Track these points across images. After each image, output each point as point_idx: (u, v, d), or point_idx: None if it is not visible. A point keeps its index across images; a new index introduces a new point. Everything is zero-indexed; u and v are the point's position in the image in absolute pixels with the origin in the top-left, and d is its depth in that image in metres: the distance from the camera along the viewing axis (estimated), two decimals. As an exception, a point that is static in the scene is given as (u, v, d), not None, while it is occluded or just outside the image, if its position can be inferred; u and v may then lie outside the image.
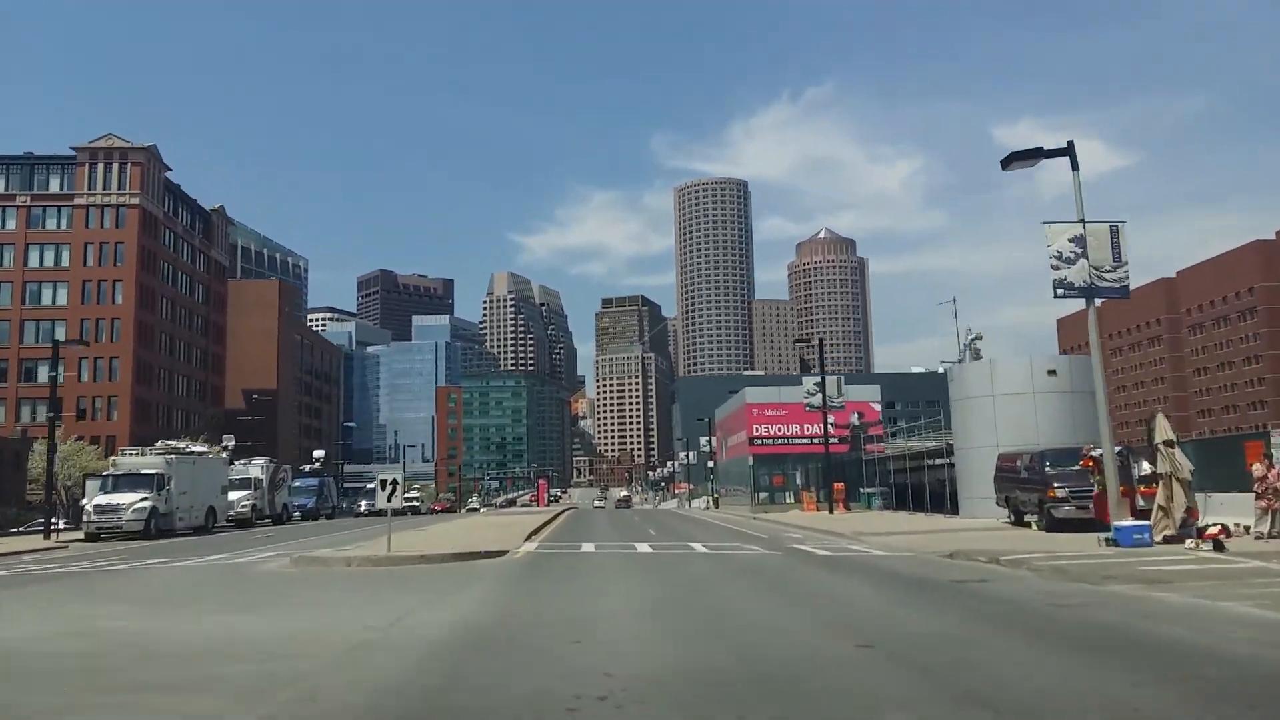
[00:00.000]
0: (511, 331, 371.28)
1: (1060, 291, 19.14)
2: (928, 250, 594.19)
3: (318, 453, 64.67)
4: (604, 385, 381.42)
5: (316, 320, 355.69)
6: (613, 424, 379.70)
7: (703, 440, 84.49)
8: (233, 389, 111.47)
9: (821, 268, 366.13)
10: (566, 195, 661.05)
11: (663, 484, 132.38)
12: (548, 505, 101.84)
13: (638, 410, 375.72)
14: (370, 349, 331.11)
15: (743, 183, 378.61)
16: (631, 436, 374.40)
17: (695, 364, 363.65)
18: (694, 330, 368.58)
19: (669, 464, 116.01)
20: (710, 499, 61.76)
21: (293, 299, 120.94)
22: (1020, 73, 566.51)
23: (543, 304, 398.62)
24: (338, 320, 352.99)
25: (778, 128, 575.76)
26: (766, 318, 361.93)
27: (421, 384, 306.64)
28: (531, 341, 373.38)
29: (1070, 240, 19.36)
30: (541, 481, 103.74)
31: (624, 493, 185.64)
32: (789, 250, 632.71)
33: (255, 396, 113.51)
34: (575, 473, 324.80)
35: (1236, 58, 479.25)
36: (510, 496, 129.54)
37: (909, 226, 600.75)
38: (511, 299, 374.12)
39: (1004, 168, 19.78)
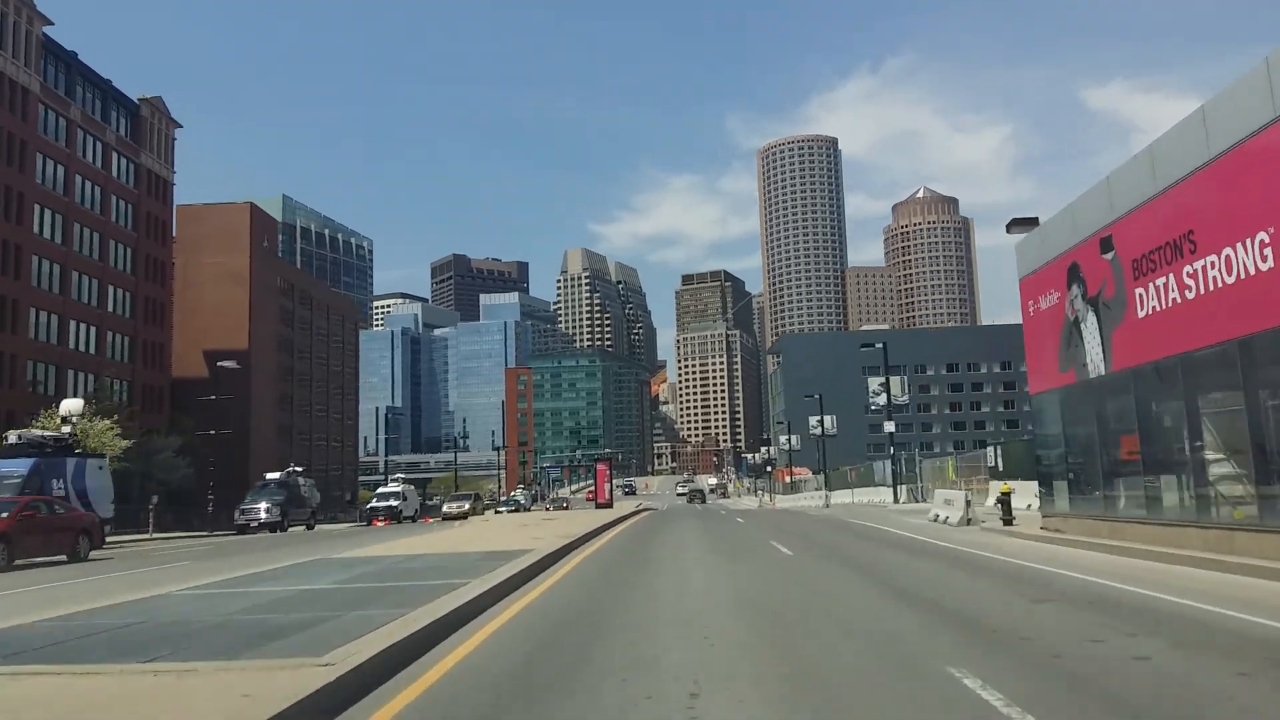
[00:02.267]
0: (587, 310, 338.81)
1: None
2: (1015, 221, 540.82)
3: (69, 404, 31.32)
4: (685, 366, 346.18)
5: (384, 305, 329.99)
6: (696, 407, 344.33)
7: (873, 385, 48.91)
8: (187, 351, 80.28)
9: (922, 230, 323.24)
10: (644, 182, 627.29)
11: (768, 468, 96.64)
12: (609, 502, 67.61)
13: (722, 391, 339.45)
14: (438, 331, 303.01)
15: (831, 140, 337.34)
16: (716, 420, 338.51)
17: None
18: (782, 302, 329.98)
19: (786, 439, 79.64)
20: (964, 490, 25.41)
21: (272, 231, 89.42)
22: (1108, 32, 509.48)
23: (619, 282, 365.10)
24: (405, 302, 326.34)
25: (857, 101, 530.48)
26: (862, 286, 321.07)
27: (491, 366, 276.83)
28: (608, 321, 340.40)
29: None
30: (601, 467, 69.03)
31: (712, 480, 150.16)
32: (876, 225, 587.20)
33: (221, 362, 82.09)
34: (656, 459, 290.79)
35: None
36: (527, 493, 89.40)
37: (999, 197, 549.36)
38: (587, 277, 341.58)
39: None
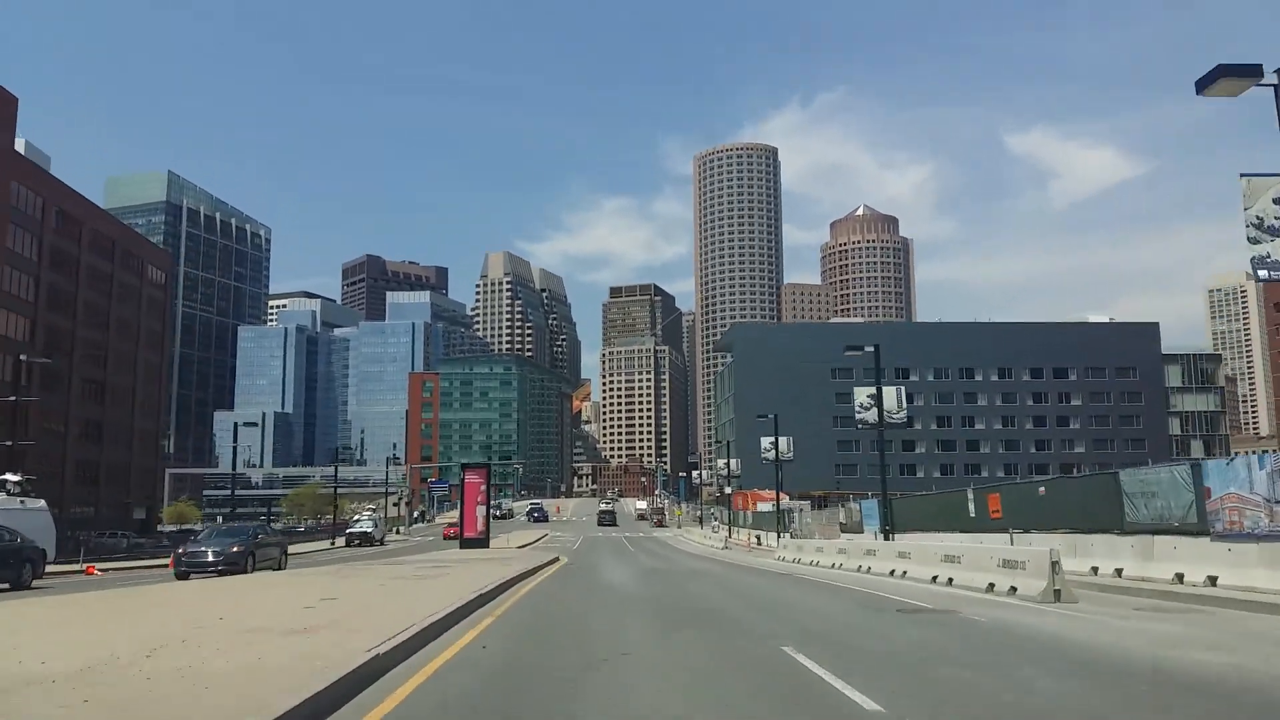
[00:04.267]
0: (508, 318, 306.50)
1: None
2: (939, 258, 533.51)
3: None
4: (611, 382, 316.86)
5: (282, 304, 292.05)
6: (620, 427, 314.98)
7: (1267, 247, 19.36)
8: None
9: (860, 248, 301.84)
10: (575, 201, 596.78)
11: (726, 491, 67.57)
12: (482, 536, 37.88)
13: (648, 411, 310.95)
14: (338, 331, 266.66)
15: (771, 150, 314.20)
16: (642, 441, 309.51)
17: (715, 358, 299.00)
18: (714, 317, 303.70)
19: (775, 444, 49.21)
20: None
21: (6, 111, 56.01)
22: (1033, 78, 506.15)
23: (544, 290, 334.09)
24: (305, 298, 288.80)
25: (788, 133, 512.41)
26: (798, 303, 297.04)
27: (395, 371, 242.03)
28: (530, 330, 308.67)
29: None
30: (471, 480, 38.16)
31: (641, 505, 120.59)
32: (804, 255, 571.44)
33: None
34: (577, 480, 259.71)
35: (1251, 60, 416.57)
36: (378, 516, 55.63)
37: (920, 234, 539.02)
38: (508, 282, 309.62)
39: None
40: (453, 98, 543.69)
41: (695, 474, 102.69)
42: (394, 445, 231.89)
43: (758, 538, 50.43)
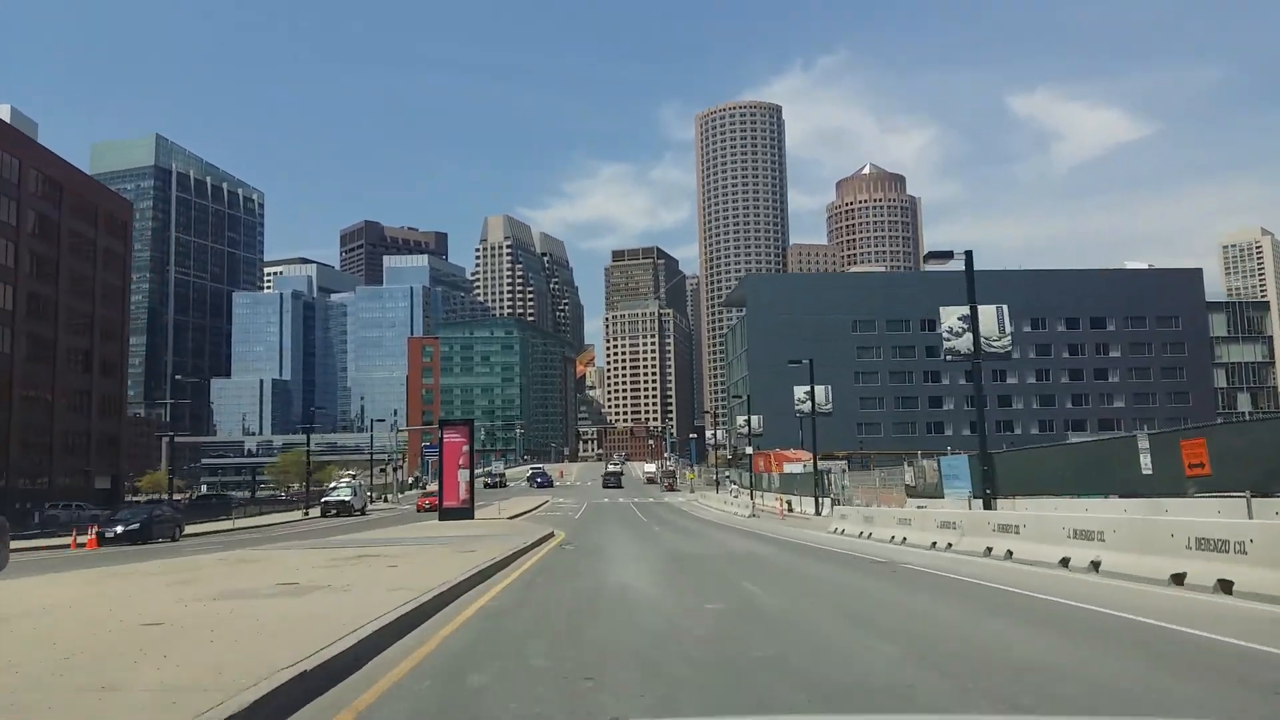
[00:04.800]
0: (509, 283, 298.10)
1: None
2: (944, 222, 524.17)
3: None
4: (615, 347, 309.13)
5: (278, 271, 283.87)
6: (625, 391, 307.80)
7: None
8: None
9: (867, 207, 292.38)
10: (574, 168, 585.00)
11: (747, 450, 60.17)
12: (466, 504, 30.66)
13: (653, 374, 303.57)
14: (335, 297, 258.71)
15: (775, 108, 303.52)
16: (647, 405, 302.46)
17: (721, 320, 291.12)
18: (719, 279, 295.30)
19: (810, 391, 41.43)
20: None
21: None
22: (1036, 40, 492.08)
23: (545, 254, 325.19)
24: (301, 264, 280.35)
25: (790, 98, 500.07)
26: (805, 265, 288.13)
27: (394, 337, 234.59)
28: (531, 295, 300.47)
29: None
30: (452, 439, 30.15)
31: (650, 468, 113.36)
32: (808, 220, 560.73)
33: None
34: (582, 444, 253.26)
35: (1256, 27, 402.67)
36: (358, 484, 49.09)
37: (925, 196, 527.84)
38: (509, 246, 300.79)
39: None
40: (455, 68, 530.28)
41: (710, 434, 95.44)
42: (395, 411, 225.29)
43: (789, 504, 43.24)
